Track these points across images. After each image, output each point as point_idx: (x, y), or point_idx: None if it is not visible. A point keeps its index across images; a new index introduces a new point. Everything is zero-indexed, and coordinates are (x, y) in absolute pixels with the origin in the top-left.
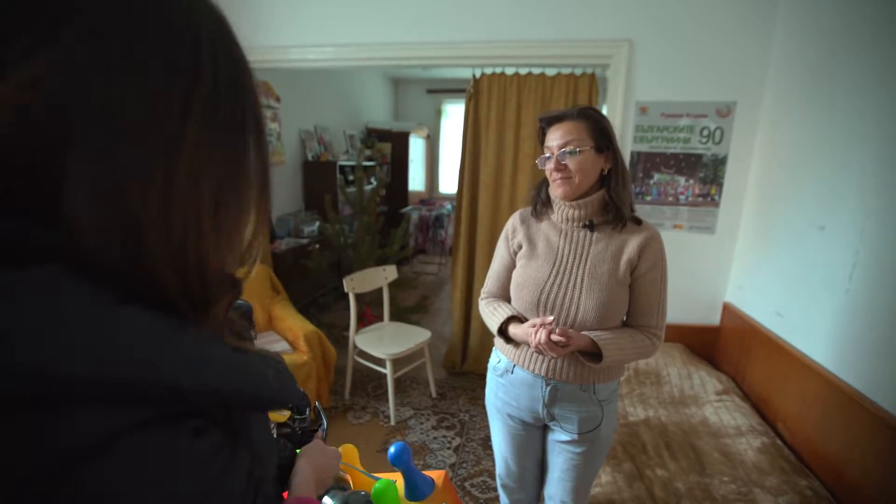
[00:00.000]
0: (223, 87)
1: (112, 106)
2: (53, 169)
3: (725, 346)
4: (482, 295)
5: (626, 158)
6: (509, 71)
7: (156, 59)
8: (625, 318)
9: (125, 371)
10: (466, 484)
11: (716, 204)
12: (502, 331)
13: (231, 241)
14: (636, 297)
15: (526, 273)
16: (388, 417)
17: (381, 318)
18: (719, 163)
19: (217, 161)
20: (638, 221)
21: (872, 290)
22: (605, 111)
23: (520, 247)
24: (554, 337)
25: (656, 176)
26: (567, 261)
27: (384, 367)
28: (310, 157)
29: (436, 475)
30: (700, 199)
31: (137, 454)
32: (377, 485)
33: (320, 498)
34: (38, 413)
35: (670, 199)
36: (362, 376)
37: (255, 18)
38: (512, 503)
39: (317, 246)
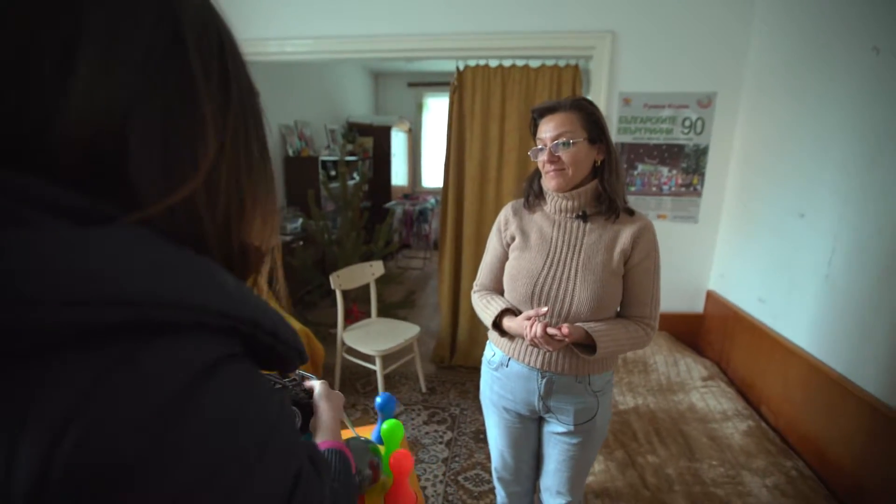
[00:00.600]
0: (244, 88)
1: (162, 111)
2: (115, 167)
3: (709, 332)
4: (475, 287)
5: None
6: (493, 63)
7: (197, 62)
8: (619, 309)
9: (227, 304)
10: (460, 478)
11: (698, 193)
12: (496, 324)
13: (265, 220)
14: (630, 287)
15: (519, 265)
16: None
17: (368, 315)
18: (701, 153)
19: (251, 152)
20: (631, 212)
21: (851, 274)
22: None
23: (513, 238)
24: (550, 330)
25: (640, 167)
26: (561, 252)
27: (373, 363)
28: (290, 153)
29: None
30: (683, 189)
31: (232, 380)
32: (386, 424)
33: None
34: (165, 338)
35: (654, 189)
36: (351, 374)
37: (234, 10)
38: (508, 496)
39: (300, 243)
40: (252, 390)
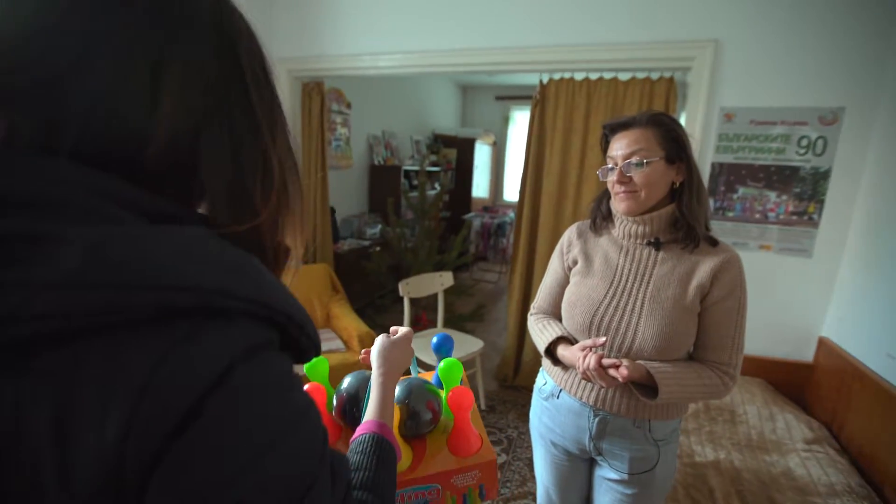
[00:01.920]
0: (278, 102)
1: (229, 125)
2: (190, 174)
3: (819, 387)
4: (532, 310)
5: (706, 170)
6: (579, 76)
7: (251, 83)
8: (692, 351)
9: (269, 297)
10: None
11: (814, 224)
12: (550, 351)
13: (300, 218)
14: (706, 328)
15: (579, 291)
16: None
17: (435, 324)
18: (820, 177)
19: (291, 158)
20: (714, 242)
21: None
22: (683, 118)
23: (575, 262)
24: (606, 361)
25: (741, 190)
26: (626, 281)
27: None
28: (376, 162)
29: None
30: (794, 217)
31: (273, 364)
32: (443, 363)
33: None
34: (220, 321)
35: (757, 216)
36: None
37: (330, 28)
38: None
39: (377, 248)
40: (290, 380)
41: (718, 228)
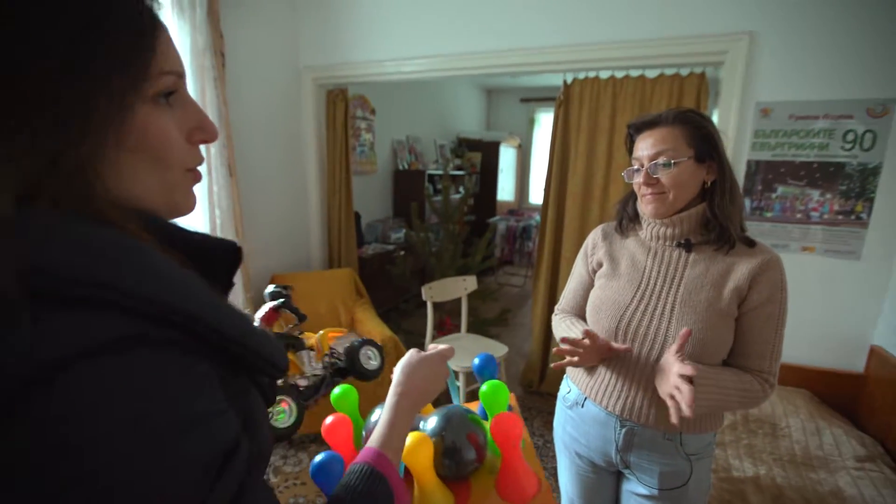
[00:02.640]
0: None
1: None
2: None
3: (872, 399)
4: (555, 311)
5: (742, 168)
6: (604, 74)
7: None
8: (725, 359)
9: (136, 286)
10: None
11: (863, 223)
12: None
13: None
14: (744, 334)
15: (604, 295)
16: None
17: (459, 329)
18: (869, 173)
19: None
20: (751, 243)
21: None
22: (715, 115)
23: (599, 265)
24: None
25: (780, 189)
26: (654, 284)
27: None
28: (401, 167)
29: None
30: (840, 216)
31: (124, 366)
32: (486, 385)
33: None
34: (83, 309)
35: (799, 216)
36: None
37: (353, 35)
38: None
39: (402, 253)
40: (163, 387)
41: (756, 230)
